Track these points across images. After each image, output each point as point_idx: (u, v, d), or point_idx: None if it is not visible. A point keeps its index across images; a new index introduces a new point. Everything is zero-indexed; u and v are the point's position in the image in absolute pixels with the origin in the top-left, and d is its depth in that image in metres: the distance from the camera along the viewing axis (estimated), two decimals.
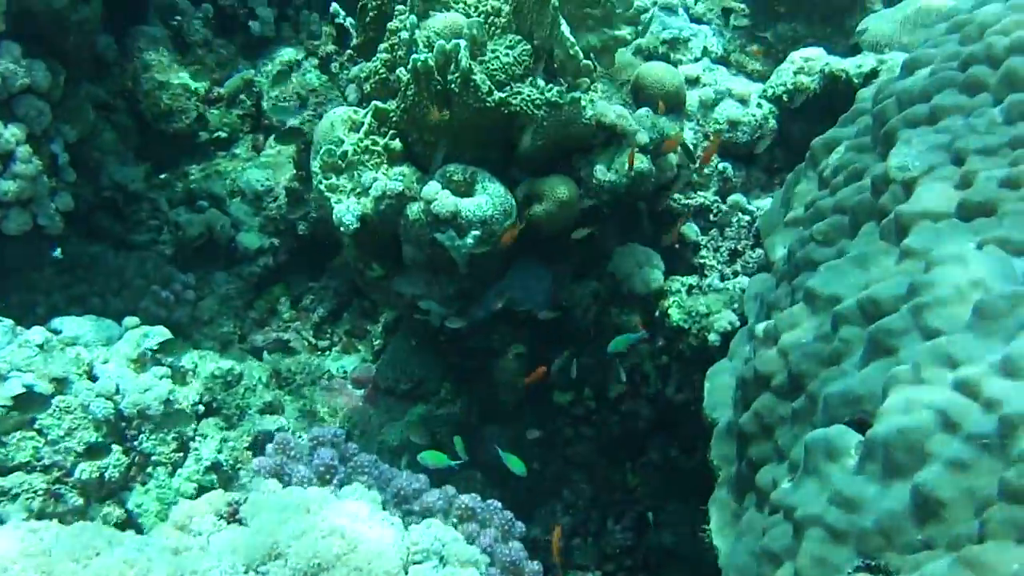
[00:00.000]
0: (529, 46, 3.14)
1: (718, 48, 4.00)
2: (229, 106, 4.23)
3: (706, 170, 3.63)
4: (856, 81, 3.49)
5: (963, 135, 2.32)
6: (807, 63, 3.70)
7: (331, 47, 4.10)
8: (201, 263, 3.93)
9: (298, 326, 3.94)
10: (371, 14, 3.58)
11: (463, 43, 2.98)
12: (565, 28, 2.98)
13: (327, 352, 3.92)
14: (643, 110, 3.26)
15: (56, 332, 3.30)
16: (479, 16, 3.27)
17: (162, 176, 4.07)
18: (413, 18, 3.15)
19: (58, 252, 3.48)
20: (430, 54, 2.99)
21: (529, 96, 3.05)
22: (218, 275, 3.93)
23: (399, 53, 3.26)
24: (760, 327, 2.58)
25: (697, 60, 3.83)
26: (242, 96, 4.23)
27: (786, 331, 2.38)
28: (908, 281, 2.01)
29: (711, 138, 3.54)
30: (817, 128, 3.65)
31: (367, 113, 3.20)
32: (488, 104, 3.02)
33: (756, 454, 2.34)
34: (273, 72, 4.32)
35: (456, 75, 2.98)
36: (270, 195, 3.96)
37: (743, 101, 3.70)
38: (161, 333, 3.32)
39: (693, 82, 3.74)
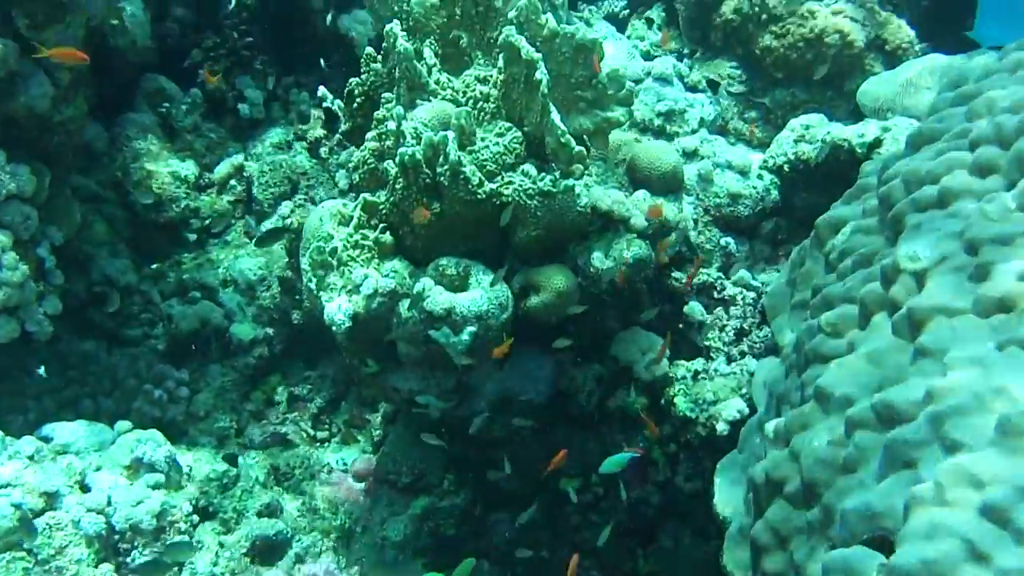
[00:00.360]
0: (519, 133, 3.07)
1: (716, 116, 3.92)
2: (220, 192, 4.17)
3: (708, 245, 3.54)
4: (859, 151, 3.39)
5: (975, 222, 2.22)
6: (807, 131, 3.62)
7: (320, 131, 4.04)
8: (195, 355, 3.84)
9: (296, 417, 3.84)
10: (358, 100, 3.52)
11: (451, 134, 2.90)
12: (555, 115, 2.89)
13: (326, 443, 3.81)
14: (640, 193, 3.17)
15: (47, 440, 3.22)
16: (467, 101, 3.20)
17: (154, 266, 3.99)
18: (400, 109, 3.08)
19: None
20: (417, 147, 2.91)
21: (521, 186, 2.97)
22: (213, 367, 3.84)
23: (387, 143, 3.19)
24: (770, 426, 2.48)
25: (694, 132, 3.74)
26: (232, 181, 4.16)
27: (797, 432, 2.28)
28: (925, 385, 1.91)
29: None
30: (820, 197, 3.59)
31: (356, 206, 3.12)
32: (479, 196, 2.93)
33: (771, 568, 2.24)
34: (264, 154, 4.25)
35: (445, 168, 2.90)
36: (263, 284, 3.88)
37: (743, 172, 3.61)
38: (154, 439, 3.24)
39: (691, 155, 3.66)
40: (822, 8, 3.79)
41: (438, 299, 2.91)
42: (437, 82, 3.21)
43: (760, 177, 3.62)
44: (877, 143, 3.38)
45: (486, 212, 3.00)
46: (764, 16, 3.88)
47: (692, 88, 4.02)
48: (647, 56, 4.27)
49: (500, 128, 3.08)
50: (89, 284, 3.79)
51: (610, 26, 4.47)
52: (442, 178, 2.92)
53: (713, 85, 3.96)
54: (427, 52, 3.28)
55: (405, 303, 2.98)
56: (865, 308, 2.39)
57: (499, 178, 3.00)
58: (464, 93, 3.22)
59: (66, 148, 3.46)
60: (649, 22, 4.35)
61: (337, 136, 3.63)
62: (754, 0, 3.90)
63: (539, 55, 2.93)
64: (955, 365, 1.87)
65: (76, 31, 3.23)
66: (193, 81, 4.35)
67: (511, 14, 3.11)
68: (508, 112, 3.14)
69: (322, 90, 4.13)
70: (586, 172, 3.11)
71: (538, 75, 2.91)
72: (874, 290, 2.37)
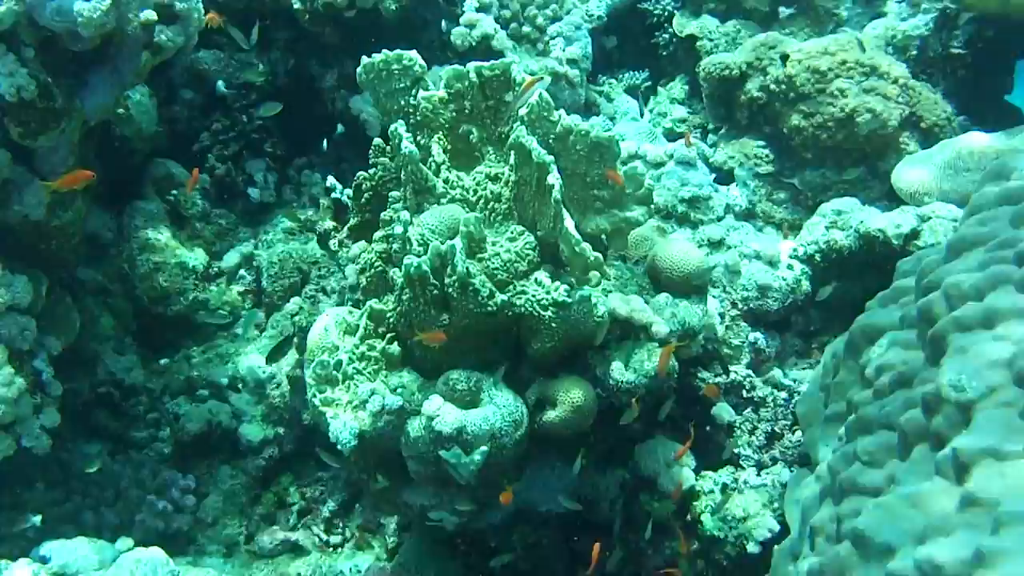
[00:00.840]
0: (532, 237, 2.91)
1: (743, 201, 3.74)
2: (229, 282, 4.04)
3: (736, 341, 3.35)
4: (895, 242, 3.20)
5: None
6: (839, 217, 3.43)
7: (329, 223, 3.91)
8: (203, 456, 3.70)
9: (308, 521, 3.68)
10: (366, 195, 3.38)
11: (459, 244, 2.74)
12: (569, 223, 2.73)
13: (339, 549, 3.64)
14: (662, 296, 2.99)
15: (44, 561, 3.08)
16: (478, 200, 3.04)
17: (162, 362, 3.87)
18: (406, 214, 2.92)
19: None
20: (424, 258, 2.75)
21: (534, 296, 2.80)
22: (222, 469, 3.70)
23: (394, 246, 3.03)
24: (805, 566, 2.32)
25: (720, 219, 3.56)
26: (242, 271, 4.04)
27: None
28: (975, 544, 1.75)
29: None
30: (854, 286, 3.40)
31: (363, 315, 2.97)
32: (490, 308, 2.77)
33: None
34: (275, 241, 4.13)
35: (453, 279, 2.74)
36: (273, 382, 3.74)
37: (772, 263, 3.42)
38: (155, 560, 3.09)
39: (716, 244, 3.49)
40: (852, 86, 3.60)
41: (447, 419, 2.75)
42: (446, 181, 3.05)
43: (790, 267, 3.42)
44: (914, 234, 3.19)
45: (498, 323, 2.83)
46: (792, 94, 3.70)
47: (717, 170, 3.84)
48: (669, 135, 4.10)
49: (512, 232, 2.92)
50: (94, 384, 3.66)
51: (631, 100, 4.31)
52: (451, 289, 2.76)
53: (727, 174, 3.78)
54: (435, 149, 3.13)
55: (414, 421, 2.82)
56: (905, 438, 2.22)
57: (511, 287, 2.84)
58: (475, 191, 3.06)
59: (65, 251, 3.36)
60: (672, 99, 4.19)
61: (346, 229, 3.49)
62: (780, 78, 3.71)
63: (551, 159, 2.78)
64: (1007, 522, 1.71)
65: (71, 135, 3.13)
66: (203, 165, 4.25)
67: (522, 111, 2.96)
68: (520, 213, 2.99)
69: (331, 180, 4.01)
70: (604, 275, 2.94)
71: (550, 180, 2.75)
72: (915, 419, 2.20)
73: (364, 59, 3.27)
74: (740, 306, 3.37)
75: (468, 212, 2.98)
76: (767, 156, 3.82)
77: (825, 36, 4.16)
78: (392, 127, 3.04)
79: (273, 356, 3.41)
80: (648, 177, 3.51)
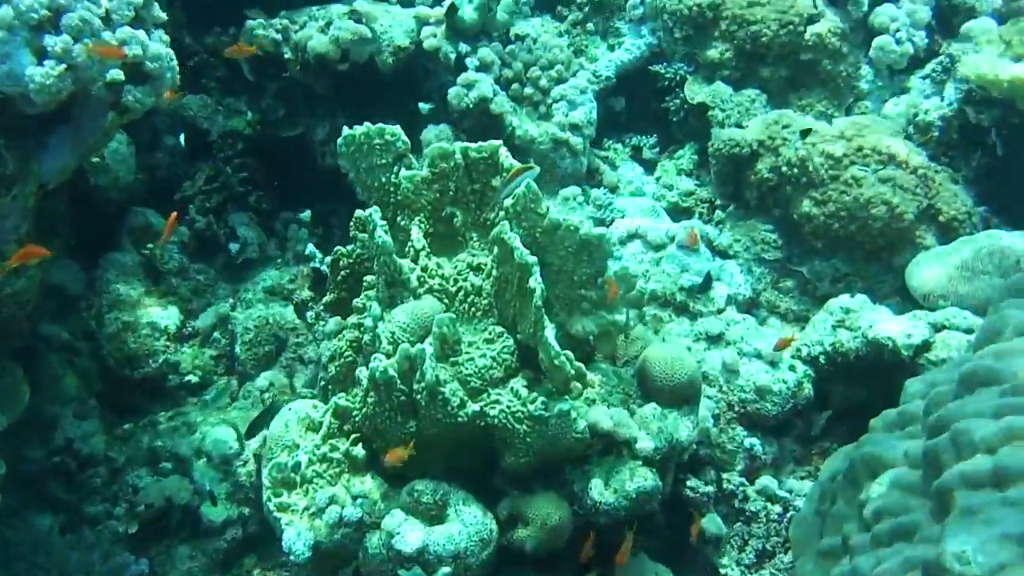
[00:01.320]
0: (511, 340, 2.69)
1: (746, 289, 3.50)
2: (203, 343, 3.83)
3: (731, 446, 3.12)
4: (905, 353, 2.96)
5: None
6: (848, 315, 3.20)
7: (307, 292, 3.71)
8: (161, 535, 3.49)
9: None
10: (343, 272, 3.19)
11: (429, 349, 2.53)
12: (549, 332, 2.51)
13: None
14: (649, 408, 2.76)
15: None
16: (458, 291, 2.83)
17: (125, 426, 3.66)
18: (376, 308, 2.72)
19: None
20: (391, 362, 2.54)
21: (509, 408, 2.58)
22: (181, 549, 3.47)
23: (364, 337, 2.82)
24: None
25: (720, 311, 3.33)
26: (216, 334, 3.83)
27: None
28: None
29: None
30: (859, 392, 3.17)
31: (327, 411, 2.76)
32: (460, 419, 2.56)
33: None
34: (255, 301, 3.92)
35: (422, 386, 2.53)
36: (240, 459, 3.53)
37: (773, 363, 3.19)
38: None
39: (715, 339, 3.25)
40: (868, 175, 3.37)
41: (408, 538, 2.53)
42: (424, 269, 2.84)
43: (792, 368, 3.19)
44: (926, 346, 2.95)
45: (469, 433, 2.62)
46: (804, 179, 3.46)
47: (722, 253, 3.60)
48: (674, 209, 3.87)
49: (491, 332, 2.71)
50: (50, 451, 3.46)
51: (636, 167, 4.08)
52: (418, 396, 2.55)
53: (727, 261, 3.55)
54: (415, 232, 2.92)
55: (374, 536, 2.60)
56: None
57: (484, 395, 2.62)
58: (455, 281, 2.85)
59: (18, 319, 3.14)
60: (680, 170, 3.96)
61: (323, 302, 3.29)
62: (793, 160, 3.48)
63: (534, 260, 2.56)
64: None
65: (25, 200, 2.92)
66: (183, 214, 4.05)
67: (507, 202, 2.75)
68: (501, 311, 2.77)
69: (310, 248, 3.82)
70: (586, 386, 2.72)
71: (532, 283, 2.54)
72: None
73: (345, 130, 3.07)
74: (736, 408, 3.14)
75: (444, 306, 2.78)
76: (775, 241, 3.58)
77: (843, 113, 3.94)
78: (367, 212, 2.83)
79: (251, 431, 3.22)
80: (647, 262, 3.31)
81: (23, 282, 3.06)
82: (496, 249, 2.70)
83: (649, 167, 4.15)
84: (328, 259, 3.32)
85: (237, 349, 3.74)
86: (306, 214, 4.09)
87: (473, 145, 2.92)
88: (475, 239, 2.97)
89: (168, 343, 3.79)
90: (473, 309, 2.82)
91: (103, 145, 3.25)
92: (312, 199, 4.21)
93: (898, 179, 3.36)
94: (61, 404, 3.58)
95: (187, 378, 3.77)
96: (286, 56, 3.96)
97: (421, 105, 3.95)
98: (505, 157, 2.86)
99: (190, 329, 3.84)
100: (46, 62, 2.67)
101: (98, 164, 3.74)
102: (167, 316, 3.83)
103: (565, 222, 2.72)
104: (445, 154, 2.95)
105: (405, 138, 3.00)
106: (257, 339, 3.74)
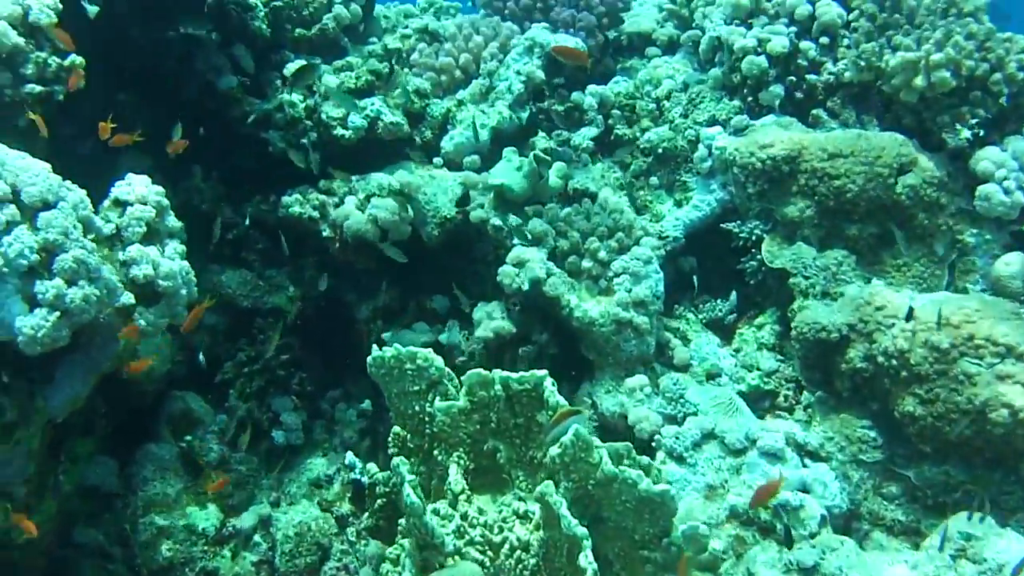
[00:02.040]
0: None
1: (842, 500, 3.03)
2: (244, 546, 3.53)
3: None
4: None
5: None
6: (969, 543, 2.72)
7: (348, 506, 3.39)
8: None
9: None
10: (379, 500, 2.84)
11: None
12: None
13: None
14: None
15: None
16: (502, 543, 2.46)
17: None
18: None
19: None
20: None
21: None
22: None
23: None
24: None
25: (813, 536, 2.86)
26: (257, 537, 3.52)
27: None
28: None
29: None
30: None
31: None
32: None
33: None
34: (298, 496, 3.62)
35: None
36: None
37: None
38: None
39: (808, 572, 2.79)
40: (984, 372, 2.88)
41: None
42: (464, 516, 2.47)
43: None
44: None
45: None
46: (904, 372, 3.00)
47: (813, 454, 3.14)
48: (754, 395, 3.42)
49: None
50: None
51: (711, 338, 3.65)
52: None
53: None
54: (453, 471, 2.57)
55: None
56: None
57: None
58: (500, 530, 2.48)
59: (33, 556, 2.91)
60: (760, 346, 3.52)
61: (362, 526, 2.97)
62: (891, 351, 3.02)
63: (584, 532, 2.18)
64: None
65: (29, 443, 2.68)
66: (225, 397, 3.79)
67: (553, 451, 2.37)
68: (550, 574, 2.39)
69: (349, 455, 3.52)
70: None
71: (583, 562, 2.15)
72: None
73: (374, 350, 2.75)
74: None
75: (485, 572, 2.40)
76: (874, 440, 3.12)
77: (945, 273, 3.44)
78: (394, 463, 2.49)
79: None
80: (724, 469, 2.91)
81: (37, 518, 2.83)
82: (541, 510, 2.33)
83: (726, 331, 3.72)
84: (367, 473, 3.00)
85: (277, 560, 3.43)
86: (366, 403, 3.80)
87: (514, 376, 2.57)
88: (521, 478, 2.60)
89: (206, 547, 3.51)
90: (520, 567, 2.44)
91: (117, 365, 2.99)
92: (358, 374, 3.90)
93: (1018, 375, 2.87)
94: None
95: None
96: (324, 234, 3.69)
97: (459, 295, 3.57)
98: (550, 393, 2.50)
99: (230, 530, 3.54)
100: (37, 311, 2.42)
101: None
102: (206, 517, 3.55)
103: (622, 474, 2.33)
104: (485, 382, 2.60)
105: (440, 363, 2.67)
106: (298, 549, 3.42)
